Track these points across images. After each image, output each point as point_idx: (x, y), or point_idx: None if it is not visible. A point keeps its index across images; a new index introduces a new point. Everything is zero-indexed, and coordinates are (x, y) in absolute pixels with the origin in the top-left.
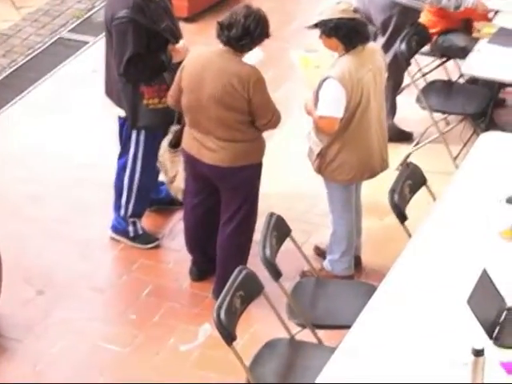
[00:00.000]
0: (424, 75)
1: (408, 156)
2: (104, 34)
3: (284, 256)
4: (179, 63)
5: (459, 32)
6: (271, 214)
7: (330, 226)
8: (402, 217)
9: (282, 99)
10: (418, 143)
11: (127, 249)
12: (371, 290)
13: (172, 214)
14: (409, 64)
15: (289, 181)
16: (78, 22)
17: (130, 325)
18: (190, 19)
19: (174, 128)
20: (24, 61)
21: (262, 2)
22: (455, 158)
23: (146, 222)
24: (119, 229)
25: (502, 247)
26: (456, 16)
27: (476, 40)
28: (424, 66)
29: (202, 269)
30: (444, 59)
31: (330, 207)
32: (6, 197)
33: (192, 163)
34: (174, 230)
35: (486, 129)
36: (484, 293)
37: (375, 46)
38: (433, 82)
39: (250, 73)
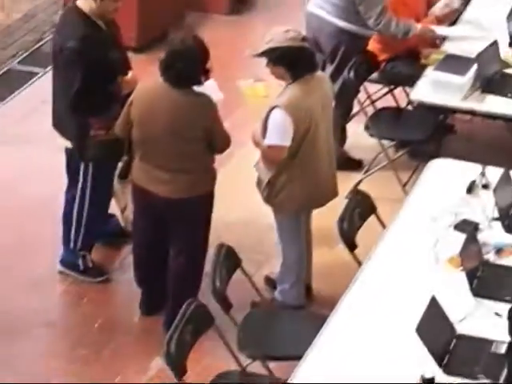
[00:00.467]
0: (373, 102)
1: (358, 184)
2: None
3: (235, 287)
4: (128, 94)
5: (407, 59)
6: (221, 245)
7: (280, 255)
8: (352, 245)
9: (231, 129)
10: (367, 170)
11: (77, 283)
12: (322, 320)
13: (122, 246)
14: (358, 91)
15: (239, 211)
16: (27, 53)
17: (80, 359)
18: (139, 49)
19: (123, 159)
20: None
21: (210, 31)
22: (405, 185)
23: (96, 254)
24: (69, 262)
25: (451, 274)
26: (404, 43)
27: (424, 67)
28: (373, 94)
29: (153, 302)
30: (392, 86)
31: (280, 237)
32: None
33: (141, 195)
34: (124, 263)
35: (435, 155)
36: (433, 320)
37: (323, 74)
38: (381, 110)
39: (204, 101)
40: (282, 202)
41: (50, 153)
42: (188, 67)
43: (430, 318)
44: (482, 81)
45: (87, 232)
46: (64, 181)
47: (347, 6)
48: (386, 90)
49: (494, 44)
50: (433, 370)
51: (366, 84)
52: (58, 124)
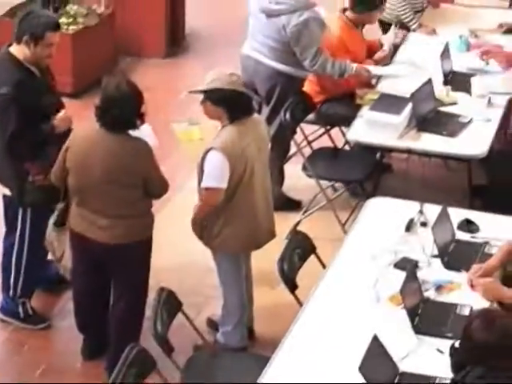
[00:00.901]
0: (310, 143)
1: (297, 224)
2: None
3: (177, 330)
4: (63, 136)
5: (342, 100)
6: (161, 289)
7: (221, 297)
8: (292, 285)
9: (167, 173)
10: (306, 211)
11: (18, 330)
12: (264, 362)
13: (62, 293)
14: (294, 132)
15: (178, 254)
16: None
17: None
18: (74, 95)
19: (60, 206)
20: None
21: (144, 75)
22: (344, 224)
23: (36, 301)
24: (9, 310)
25: (392, 312)
26: (341, 85)
27: (359, 107)
28: (309, 134)
29: (94, 347)
30: (328, 127)
31: (220, 279)
32: None
33: (79, 241)
34: (64, 310)
35: (373, 194)
36: (376, 359)
37: (258, 117)
38: (318, 150)
39: (141, 147)
40: (219, 245)
41: None
42: (124, 112)
43: (372, 356)
44: (417, 119)
45: (26, 278)
46: (1, 229)
47: (285, 49)
48: (322, 130)
49: (428, 82)
50: None
51: (303, 125)
52: None
